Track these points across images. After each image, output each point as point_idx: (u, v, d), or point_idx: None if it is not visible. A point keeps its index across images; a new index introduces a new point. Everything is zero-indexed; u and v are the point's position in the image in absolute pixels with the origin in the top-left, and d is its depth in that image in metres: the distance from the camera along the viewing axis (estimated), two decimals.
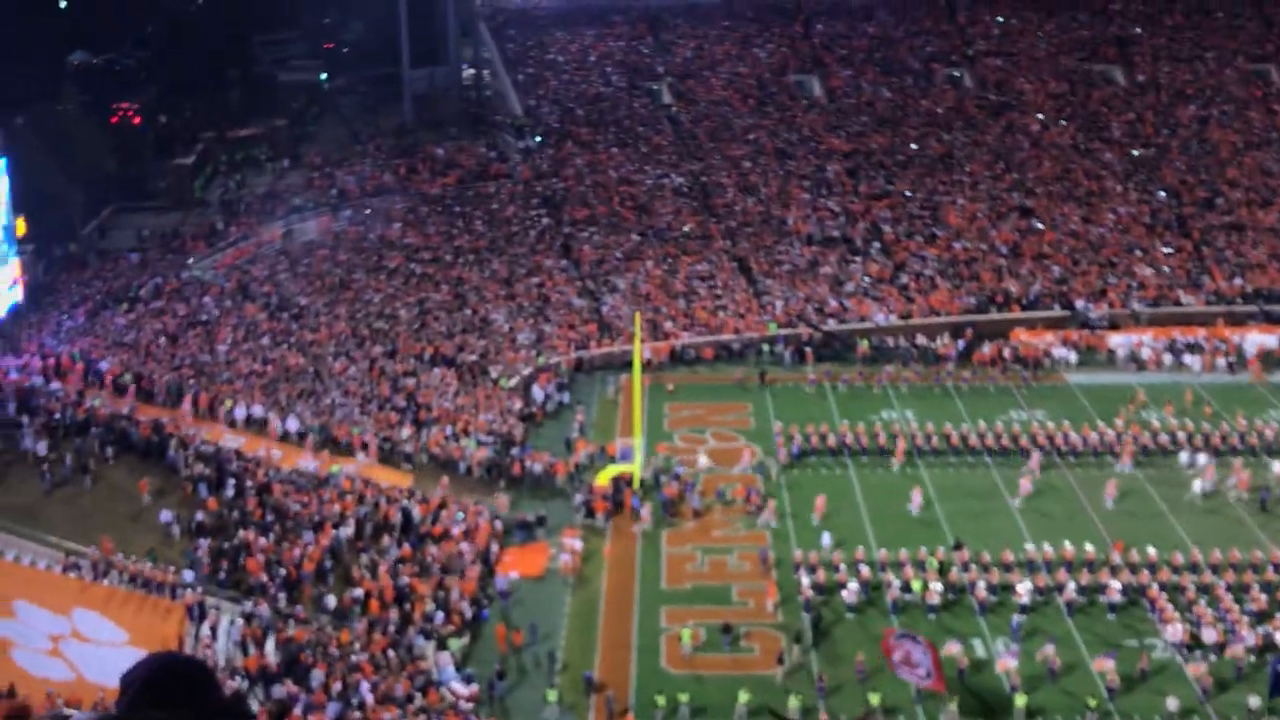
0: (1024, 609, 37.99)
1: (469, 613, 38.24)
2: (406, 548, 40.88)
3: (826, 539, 41.75)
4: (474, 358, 55.62)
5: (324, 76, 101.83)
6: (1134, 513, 44.60)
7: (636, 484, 45.62)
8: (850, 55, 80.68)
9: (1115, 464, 47.67)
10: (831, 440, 49.06)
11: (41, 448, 42.50)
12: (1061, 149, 73.16)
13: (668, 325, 59.90)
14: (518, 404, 52.44)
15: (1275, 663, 34.30)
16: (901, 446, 48.32)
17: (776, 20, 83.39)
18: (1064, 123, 75.14)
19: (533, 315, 60.13)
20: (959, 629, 37.58)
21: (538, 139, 73.24)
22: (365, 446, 46.80)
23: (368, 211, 67.74)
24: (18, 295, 52.46)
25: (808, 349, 58.53)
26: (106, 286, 57.19)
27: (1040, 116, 75.57)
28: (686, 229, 66.78)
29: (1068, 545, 40.80)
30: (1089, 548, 40.70)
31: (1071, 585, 38.79)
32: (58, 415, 44.88)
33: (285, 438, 47.19)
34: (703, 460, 48.16)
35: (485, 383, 54.03)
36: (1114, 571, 39.60)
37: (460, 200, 69.07)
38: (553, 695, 34.56)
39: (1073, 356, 58.06)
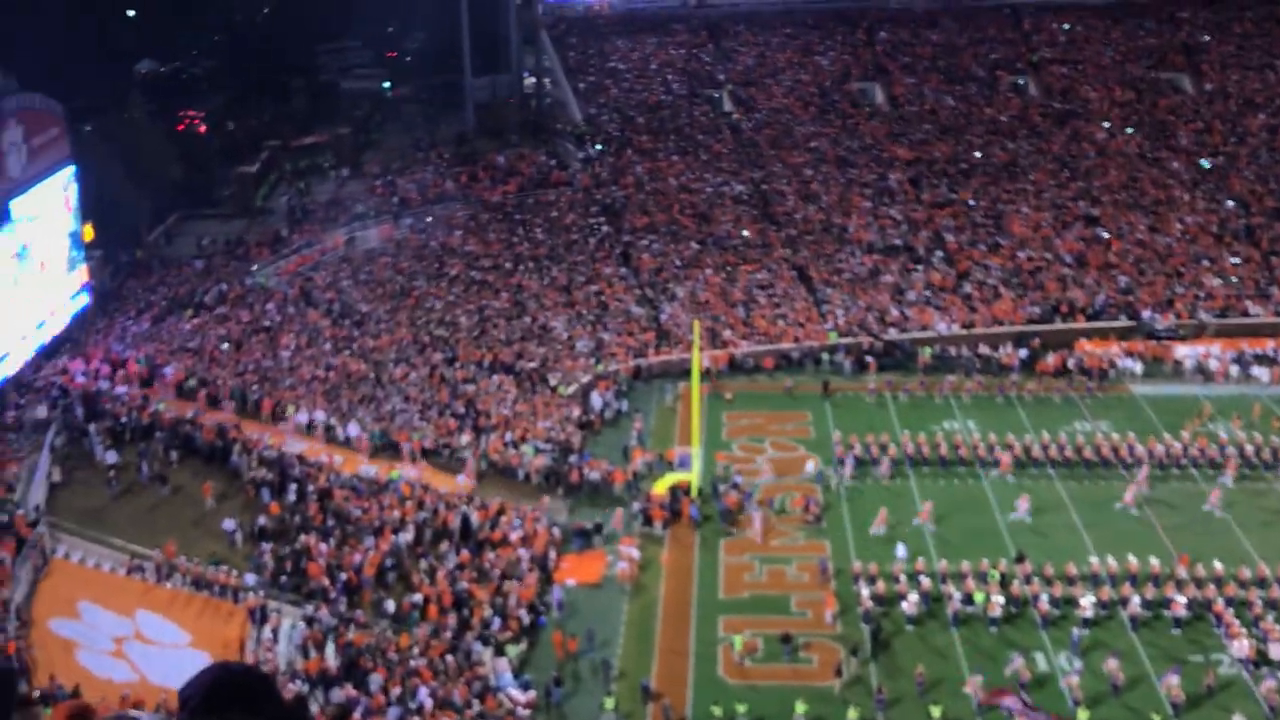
0: (1087, 622, 37.47)
1: (527, 619, 38.29)
2: (465, 553, 41.01)
3: (902, 550, 41.32)
4: (533, 365, 55.76)
5: (386, 85, 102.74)
6: (1200, 526, 43.88)
7: (695, 492, 45.50)
8: (913, 63, 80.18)
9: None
10: (893, 450, 48.64)
11: (110, 456, 43.10)
12: (1128, 157, 72.22)
13: (726, 334, 59.73)
14: (576, 411, 52.49)
15: None
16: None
17: (839, 27, 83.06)
18: (1130, 131, 74.20)
19: (592, 323, 60.19)
20: (1021, 642, 37.13)
21: (598, 147, 73.39)
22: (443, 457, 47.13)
23: (429, 219, 68.22)
24: (84, 300, 53.26)
25: (870, 358, 58.08)
26: (171, 292, 57.97)
27: (1106, 125, 74.66)
28: (745, 234, 66.61)
29: (1132, 559, 40.19)
30: (1154, 561, 40.06)
31: (1136, 599, 38.19)
32: (124, 420, 45.53)
33: (346, 442, 47.65)
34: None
35: (544, 390, 54.13)
36: (1179, 586, 38.93)
37: (521, 208, 69.38)
38: (610, 703, 34.52)
39: (1138, 367, 57.19)
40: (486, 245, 66.00)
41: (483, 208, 69.33)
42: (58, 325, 50.31)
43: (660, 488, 45.56)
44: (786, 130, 74.94)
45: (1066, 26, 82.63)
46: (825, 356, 58.57)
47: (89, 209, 54.43)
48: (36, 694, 30.68)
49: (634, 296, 62.61)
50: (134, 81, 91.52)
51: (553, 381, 54.76)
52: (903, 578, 39.66)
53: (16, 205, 45.79)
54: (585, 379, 55.65)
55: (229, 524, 40.92)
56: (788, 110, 76.56)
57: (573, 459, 48.02)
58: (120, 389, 47.77)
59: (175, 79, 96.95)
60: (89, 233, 54.37)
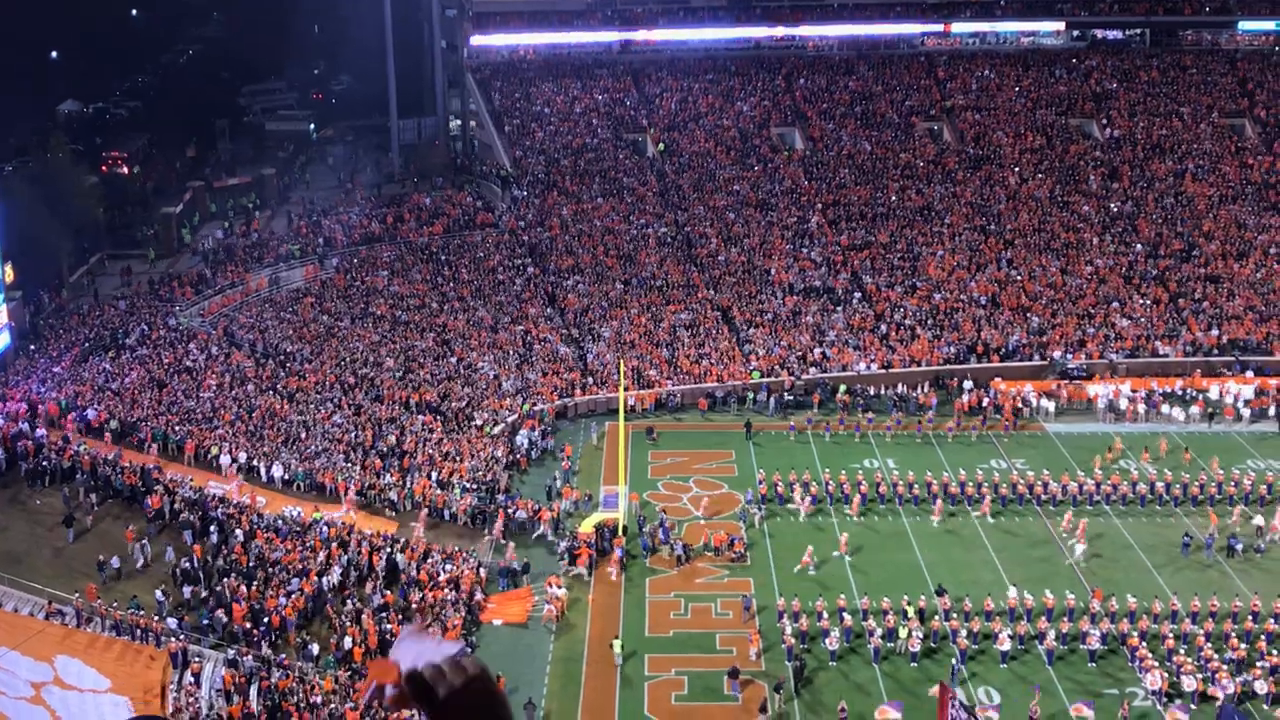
0: (1005, 656, 38.32)
1: None
2: (390, 594, 40.98)
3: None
4: (459, 405, 55.91)
5: (312, 126, 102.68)
6: (1113, 561, 45.02)
7: (621, 530, 45.78)
8: (831, 108, 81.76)
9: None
10: (814, 488, 49.39)
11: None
12: (1039, 202, 74.11)
13: (651, 373, 60.31)
14: (502, 451, 52.69)
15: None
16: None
17: (759, 74, 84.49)
18: (1041, 176, 76.19)
19: (518, 363, 60.51)
20: (940, 677, 37.80)
21: (523, 191, 73.91)
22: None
23: (354, 260, 68.28)
24: (4, 341, 52.62)
25: (816, 393, 58.86)
26: (94, 333, 57.46)
27: (1018, 170, 76.62)
28: (669, 275, 67.43)
29: (1048, 593, 41.14)
30: (1069, 596, 41.06)
31: (1052, 634, 39.11)
32: (45, 462, 45.04)
33: (270, 483, 47.43)
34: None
35: (470, 430, 54.29)
36: (1094, 620, 39.92)
37: (446, 249, 69.67)
38: None
39: (1051, 406, 58.65)
40: (412, 286, 66.17)
41: (408, 248, 69.54)
42: None
43: (587, 527, 45.85)
44: (708, 174, 76.05)
45: (979, 74, 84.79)
46: (749, 395, 59.37)
47: (10, 249, 53.92)
48: None
49: (560, 336, 63.05)
50: (57, 122, 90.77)
51: (479, 421, 54.95)
52: (825, 614, 40.19)
53: None
54: (511, 418, 55.89)
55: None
56: (709, 154, 77.70)
57: (499, 499, 48.21)
58: (40, 431, 47.28)
59: (99, 119, 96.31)
60: (9, 273, 53.82)
